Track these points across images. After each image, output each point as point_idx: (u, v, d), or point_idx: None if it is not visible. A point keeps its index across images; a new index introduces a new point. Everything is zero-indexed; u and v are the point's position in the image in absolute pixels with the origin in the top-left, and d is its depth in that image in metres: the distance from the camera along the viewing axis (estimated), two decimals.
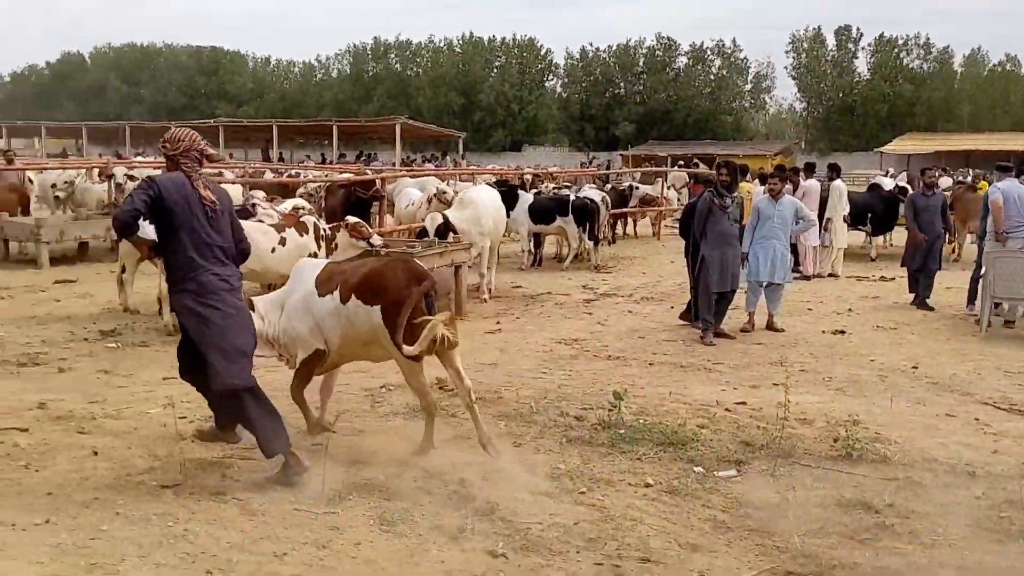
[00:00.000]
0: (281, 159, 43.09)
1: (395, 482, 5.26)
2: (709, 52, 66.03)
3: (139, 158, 31.30)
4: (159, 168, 22.30)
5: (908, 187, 20.76)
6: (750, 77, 67.20)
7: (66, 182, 17.41)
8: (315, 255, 10.42)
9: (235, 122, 48.50)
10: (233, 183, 18.16)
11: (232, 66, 77.59)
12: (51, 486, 4.75)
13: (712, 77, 65.98)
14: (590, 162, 49.31)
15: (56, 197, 17.55)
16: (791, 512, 4.99)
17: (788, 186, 14.81)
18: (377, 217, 15.63)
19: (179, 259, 5.08)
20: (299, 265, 6.42)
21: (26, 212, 16.16)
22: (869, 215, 17.14)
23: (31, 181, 17.87)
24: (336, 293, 5.81)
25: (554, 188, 20.09)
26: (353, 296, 5.71)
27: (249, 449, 5.77)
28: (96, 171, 17.92)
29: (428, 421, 5.94)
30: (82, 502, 4.54)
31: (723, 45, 65.85)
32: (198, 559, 3.96)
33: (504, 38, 68.59)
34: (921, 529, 4.86)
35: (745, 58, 66.45)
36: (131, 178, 16.91)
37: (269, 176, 23.12)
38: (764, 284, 10.59)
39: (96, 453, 5.42)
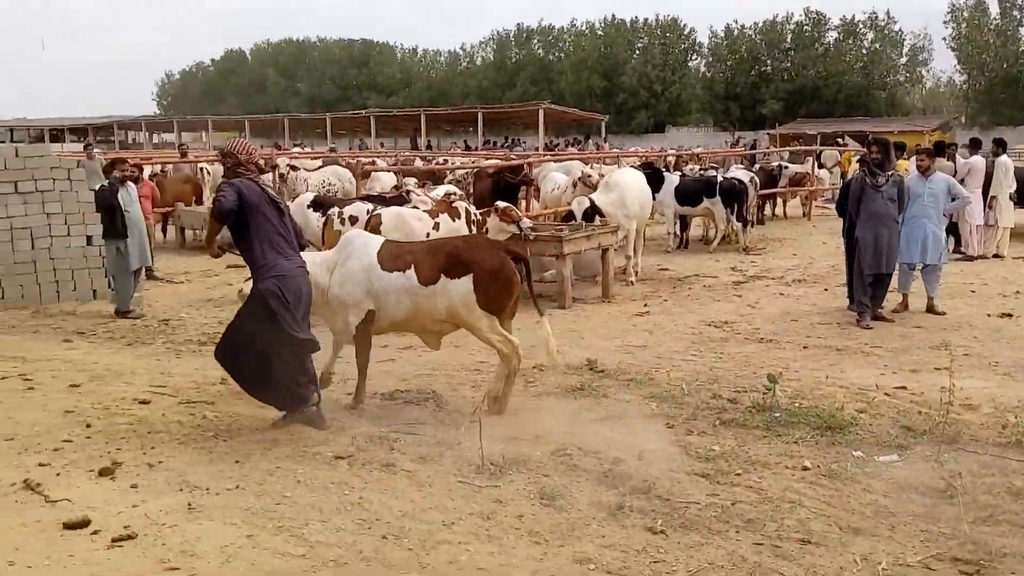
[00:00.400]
0: (429, 147, 44.13)
1: (551, 459, 5.41)
2: (861, 25, 63.16)
3: (296, 149, 32.71)
4: (317, 158, 23.33)
5: None
6: (905, 50, 63.87)
7: None
8: None
9: (386, 112, 49.94)
10: (386, 171, 18.84)
11: (381, 57, 79.65)
12: (238, 455, 5.15)
13: (864, 51, 63.04)
14: (736, 142, 48.15)
15: None
16: (958, 499, 4.85)
17: (949, 163, 14.20)
18: (524, 202, 15.85)
19: (263, 250, 5.74)
20: (350, 236, 6.79)
21: (200, 202, 17.24)
22: None
23: (208, 173, 19.03)
24: (410, 272, 6.29)
25: (700, 170, 19.84)
26: (443, 276, 6.25)
27: (412, 424, 6.10)
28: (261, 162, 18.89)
29: (501, 369, 6.47)
30: (266, 470, 4.90)
31: (876, 17, 62.83)
32: (374, 525, 4.23)
33: (646, 19, 67.83)
34: None
35: (900, 30, 63.21)
36: (293, 168, 17.81)
37: (419, 164, 23.80)
38: (917, 266, 10.20)
39: (275, 426, 5.82)
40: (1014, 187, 14.80)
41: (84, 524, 4.05)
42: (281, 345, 5.68)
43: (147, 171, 15.70)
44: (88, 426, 5.59)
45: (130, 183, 10.75)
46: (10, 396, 6.23)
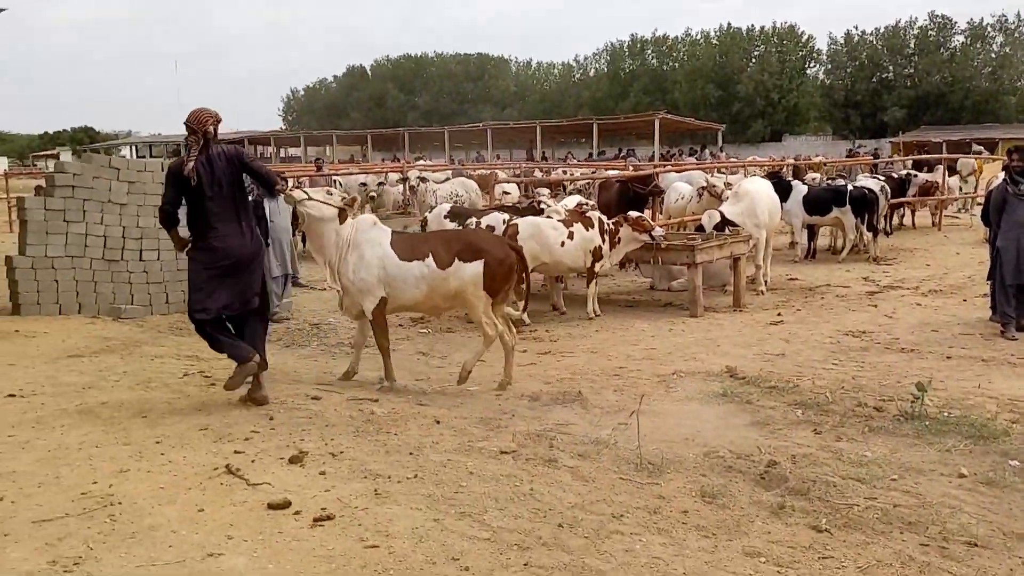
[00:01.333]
0: (544, 158, 44.58)
1: (705, 460, 5.57)
2: (989, 28, 60.53)
3: (420, 162, 33.59)
4: (440, 170, 23.94)
5: None
6: None
7: (380, 183, 19.27)
8: (599, 249, 10.97)
9: (502, 124, 50.68)
10: (508, 182, 19.25)
11: (496, 71, 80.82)
12: (410, 447, 5.49)
13: (993, 55, 60.38)
14: (853, 150, 46.86)
15: (371, 197, 19.46)
16: None
17: None
18: (650, 212, 15.97)
19: (196, 225, 6.32)
20: (361, 228, 7.36)
21: None
22: None
23: (341, 185, 19.85)
24: (429, 260, 7.28)
25: (828, 179, 19.54)
26: (456, 259, 7.31)
27: (564, 424, 6.35)
28: (394, 175, 19.66)
29: (507, 356, 7.69)
30: (439, 462, 5.22)
31: (1005, 20, 60.12)
32: (547, 514, 4.48)
33: (763, 27, 66.67)
34: None
35: None
36: (423, 180, 18.41)
37: (538, 175, 24.17)
38: None
39: (438, 422, 6.16)
40: None
41: (286, 505, 4.43)
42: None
43: None
44: (271, 419, 6.03)
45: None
46: (197, 391, 6.77)
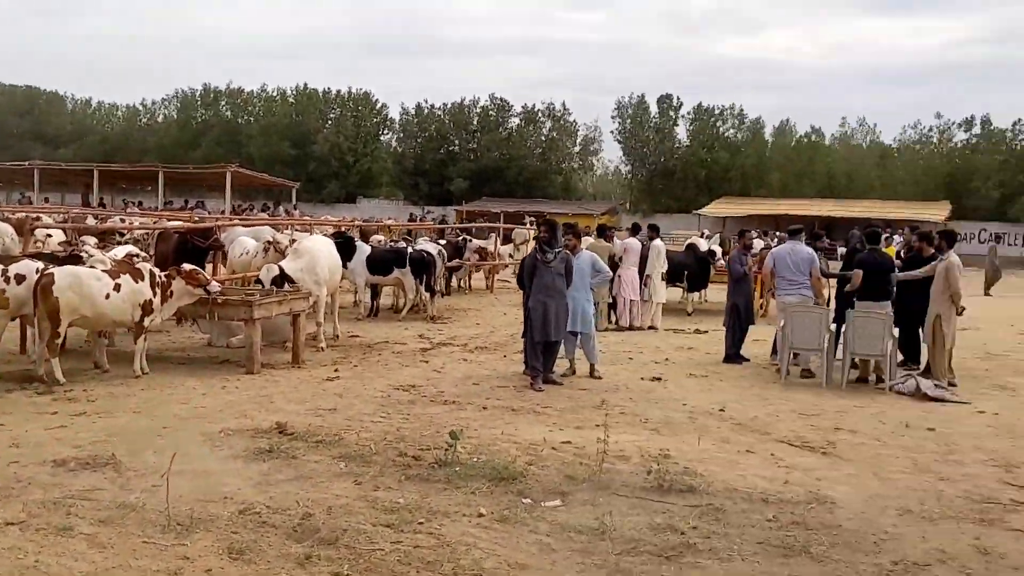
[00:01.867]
0: (102, 204, 41.37)
1: (240, 518, 5.49)
2: (540, 114, 68.01)
3: None
4: None
5: (717, 250, 22.57)
6: (579, 139, 69.68)
7: None
8: (150, 302, 10.41)
9: (52, 165, 46.12)
10: (53, 227, 17.59)
11: (49, 107, 74.00)
12: None
13: (543, 138, 67.89)
14: (424, 215, 49.89)
15: None
16: (609, 535, 5.56)
17: (608, 243, 16.03)
18: (212, 266, 15.51)
19: None
20: None
21: None
22: (685, 272, 18.43)
23: None
24: None
25: (391, 241, 20.47)
26: None
27: (89, 490, 5.87)
28: None
29: None
30: None
31: (554, 108, 68.01)
32: None
33: (339, 91, 68.55)
34: (720, 547, 5.50)
35: (574, 121, 68.67)
36: None
37: (91, 221, 22.38)
38: (576, 334, 11.33)
39: None
40: (666, 267, 16.81)
41: None
42: None
43: None
44: None
45: None
46: None
